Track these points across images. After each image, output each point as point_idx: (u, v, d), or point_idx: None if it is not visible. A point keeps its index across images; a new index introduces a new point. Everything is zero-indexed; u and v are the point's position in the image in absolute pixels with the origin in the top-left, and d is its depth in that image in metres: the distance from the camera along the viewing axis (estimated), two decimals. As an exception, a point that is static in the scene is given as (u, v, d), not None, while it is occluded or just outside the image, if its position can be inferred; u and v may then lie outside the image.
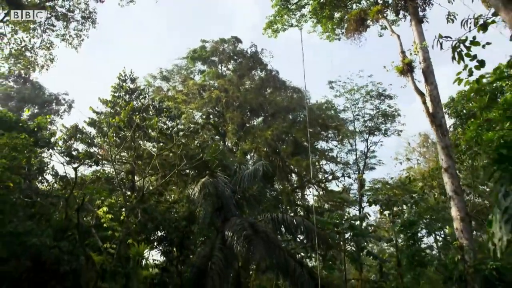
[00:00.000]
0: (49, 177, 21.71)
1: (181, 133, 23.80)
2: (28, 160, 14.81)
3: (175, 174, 18.75)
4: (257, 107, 33.59)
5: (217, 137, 35.09)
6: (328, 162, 35.05)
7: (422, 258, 14.83)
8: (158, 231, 22.57)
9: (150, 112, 23.03)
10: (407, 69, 16.27)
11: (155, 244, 22.84)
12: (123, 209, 13.39)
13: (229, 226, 16.55)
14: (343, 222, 20.04)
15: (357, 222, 21.47)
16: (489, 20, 6.25)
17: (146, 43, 78.85)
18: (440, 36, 6.35)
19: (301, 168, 31.73)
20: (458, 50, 6.16)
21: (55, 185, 21.54)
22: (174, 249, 23.00)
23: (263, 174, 25.85)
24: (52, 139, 20.61)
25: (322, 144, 36.12)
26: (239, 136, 32.30)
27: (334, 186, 35.34)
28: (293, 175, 36.01)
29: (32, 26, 20.51)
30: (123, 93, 22.78)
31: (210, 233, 22.83)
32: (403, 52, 16.76)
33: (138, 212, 15.01)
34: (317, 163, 33.53)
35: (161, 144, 22.33)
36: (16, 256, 12.07)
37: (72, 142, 21.89)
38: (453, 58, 6.30)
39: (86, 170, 24.00)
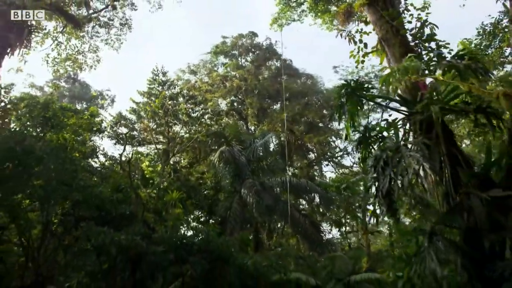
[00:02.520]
0: (101, 158, 26.77)
1: (206, 116, 28.22)
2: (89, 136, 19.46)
3: (197, 142, 23.02)
4: (274, 93, 37.48)
5: (240, 122, 39.36)
6: (342, 140, 38.54)
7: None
8: (192, 200, 27.19)
9: (180, 99, 27.54)
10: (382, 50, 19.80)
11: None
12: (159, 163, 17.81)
13: (244, 186, 20.76)
14: (343, 184, 23.78)
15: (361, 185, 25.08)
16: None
17: (175, 41, 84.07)
18: (339, 30, 10.17)
19: (315, 145, 35.46)
20: (352, 37, 9.98)
21: (105, 163, 26.52)
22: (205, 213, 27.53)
23: (281, 150, 30.03)
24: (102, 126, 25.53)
25: (335, 125, 39.67)
26: (258, 119, 36.37)
27: (348, 161, 38.89)
28: (311, 153, 39.92)
29: (81, 34, 25.25)
30: (157, 85, 27.35)
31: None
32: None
33: (171, 170, 19.41)
34: (330, 139, 37.07)
35: (190, 126, 26.90)
36: (87, 203, 16.68)
37: (117, 127, 26.73)
38: (349, 42, 10.13)
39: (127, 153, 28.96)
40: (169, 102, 26.16)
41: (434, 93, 6.05)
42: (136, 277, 14.92)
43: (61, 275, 19.99)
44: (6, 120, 17.69)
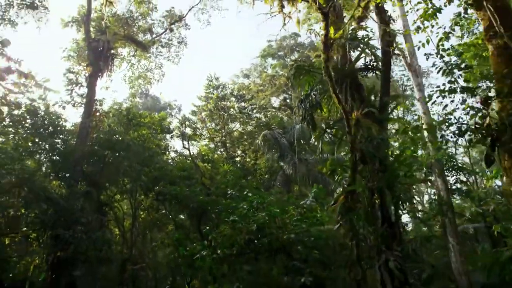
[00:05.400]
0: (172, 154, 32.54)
1: (254, 110, 33.09)
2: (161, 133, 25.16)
3: (248, 134, 27.85)
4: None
5: (294, 116, 43.71)
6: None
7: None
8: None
9: (232, 98, 32.77)
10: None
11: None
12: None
13: (284, 161, 25.20)
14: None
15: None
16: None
17: (229, 50, 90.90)
18: (308, 29, 14.31)
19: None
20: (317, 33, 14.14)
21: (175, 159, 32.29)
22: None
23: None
24: (171, 127, 31.31)
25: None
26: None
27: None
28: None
29: (148, 55, 31.35)
30: (212, 89, 32.77)
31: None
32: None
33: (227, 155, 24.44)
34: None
35: (242, 120, 31.95)
36: (163, 179, 22.03)
37: (183, 127, 32.46)
38: (315, 36, 14.22)
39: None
40: (223, 103, 31.37)
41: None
42: (201, 229, 20.06)
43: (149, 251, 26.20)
44: (101, 126, 23.91)
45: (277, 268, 8.90)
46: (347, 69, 10.05)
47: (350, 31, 11.52)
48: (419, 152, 14.32)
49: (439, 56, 6.69)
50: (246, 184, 18.88)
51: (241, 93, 33.16)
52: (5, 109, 19.28)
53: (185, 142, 24.29)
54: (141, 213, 26.24)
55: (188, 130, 32.53)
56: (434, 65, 6.92)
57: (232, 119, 32.15)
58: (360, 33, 11.90)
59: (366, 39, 10.40)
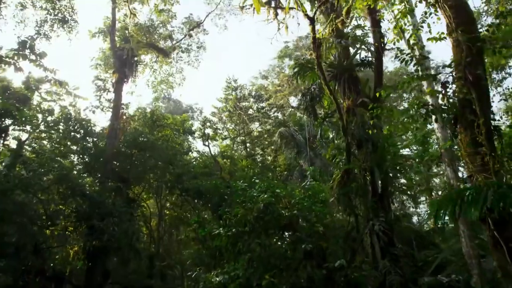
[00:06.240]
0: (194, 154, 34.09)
1: (272, 110, 34.33)
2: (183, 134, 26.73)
3: (267, 132, 29.10)
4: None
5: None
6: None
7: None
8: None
9: (251, 99, 34.13)
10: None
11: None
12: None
13: (301, 157, 26.31)
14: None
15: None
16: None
17: (247, 52, 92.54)
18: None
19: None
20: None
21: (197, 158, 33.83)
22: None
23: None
24: (193, 128, 32.87)
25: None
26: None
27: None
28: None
29: (169, 60, 33.03)
30: (231, 91, 34.21)
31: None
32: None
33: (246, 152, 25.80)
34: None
35: (260, 119, 33.22)
36: (186, 176, 23.55)
37: (204, 128, 33.98)
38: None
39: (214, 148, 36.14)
40: (243, 104, 32.74)
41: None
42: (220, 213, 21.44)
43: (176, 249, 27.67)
44: (128, 128, 25.65)
45: (286, 242, 10.10)
46: (345, 65, 11.20)
47: (350, 30, 12.65)
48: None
49: (410, 49, 7.73)
50: (262, 178, 20.05)
51: (259, 94, 34.47)
52: (39, 116, 21.25)
53: (206, 141, 25.79)
54: (167, 211, 27.81)
55: (209, 131, 34.05)
56: (397, 56, 7.99)
57: (250, 119, 33.45)
58: (359, 32, 13.01)
59: (362, 37, 11.54)
